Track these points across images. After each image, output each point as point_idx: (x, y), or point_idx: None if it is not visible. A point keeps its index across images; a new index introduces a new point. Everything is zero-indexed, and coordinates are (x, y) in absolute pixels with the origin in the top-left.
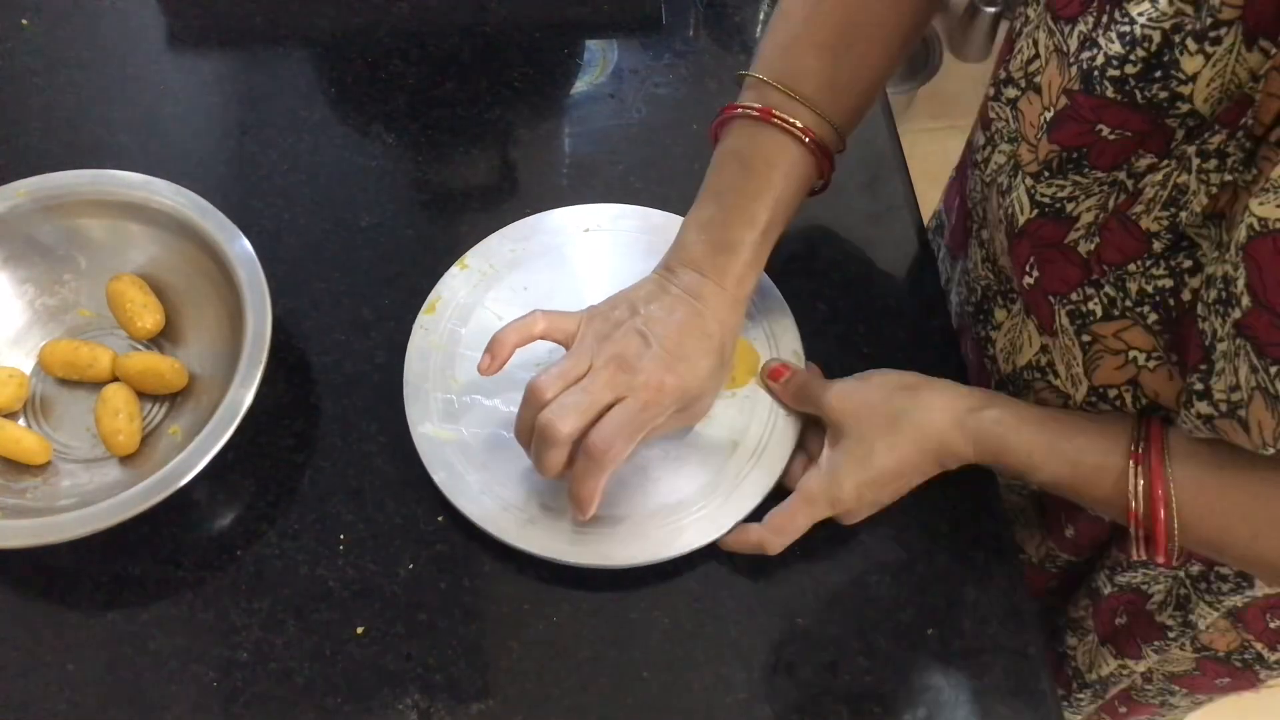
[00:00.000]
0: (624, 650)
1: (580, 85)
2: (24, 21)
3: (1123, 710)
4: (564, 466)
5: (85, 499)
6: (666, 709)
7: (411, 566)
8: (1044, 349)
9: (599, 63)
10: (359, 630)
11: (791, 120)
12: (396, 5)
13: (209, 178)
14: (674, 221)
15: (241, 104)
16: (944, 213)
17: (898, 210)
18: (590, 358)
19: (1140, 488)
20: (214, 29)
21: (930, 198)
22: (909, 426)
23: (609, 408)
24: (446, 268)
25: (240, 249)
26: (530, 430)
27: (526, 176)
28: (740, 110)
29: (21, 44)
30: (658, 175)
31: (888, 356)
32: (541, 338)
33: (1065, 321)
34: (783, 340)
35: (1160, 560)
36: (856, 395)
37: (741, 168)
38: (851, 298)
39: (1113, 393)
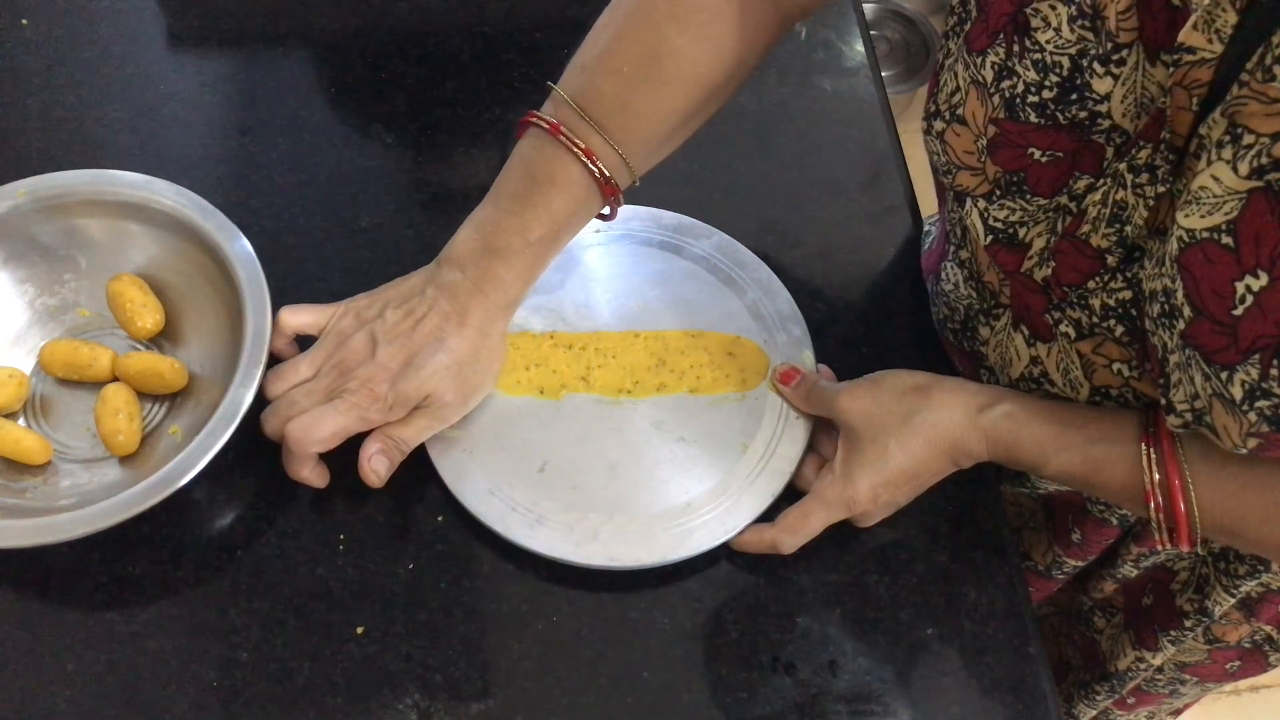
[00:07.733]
0: (624, 650)
1: None
2: (24, 21)
3: (1131, 701)
4: None
5: (85, 499)
6: (666, 709)
7: (411, 566)
8: (1034, 360)
9: None
10: (359, 630)
11: (577, 141)
12: (396, 5)
13: (209, 178)
14: (679, 221)
15: (241, 104)
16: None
17: (898, 210)
18: (322, 360)
19: (1156, 479)
20: (214, 29)
21: (930, 197)
22: (922, 426)
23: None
24: None
25: (240, 249)
26: None
27: None
28: (534, 119)
29: (21, 44)
30: (658, 175)
31: (888, 356)
32: (295, 332)
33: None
34: (793, 344)
35: (1185, 547)
36: (868, 397)
37: (525, 176)
38: (851, 298)
39: (1114, 392)
